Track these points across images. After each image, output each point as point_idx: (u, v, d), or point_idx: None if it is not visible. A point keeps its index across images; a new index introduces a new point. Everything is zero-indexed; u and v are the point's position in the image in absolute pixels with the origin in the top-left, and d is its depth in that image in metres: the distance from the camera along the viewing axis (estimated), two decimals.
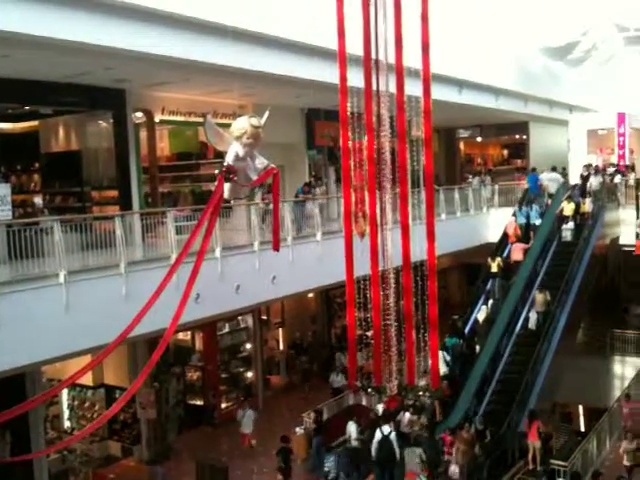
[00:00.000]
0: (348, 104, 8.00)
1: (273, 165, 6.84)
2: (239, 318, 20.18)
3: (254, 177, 6.79)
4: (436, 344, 8.25)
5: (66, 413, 17.70)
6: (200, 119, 16.58)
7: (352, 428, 15.28)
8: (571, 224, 20.86)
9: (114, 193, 15.96)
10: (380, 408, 16.10)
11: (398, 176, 8.07)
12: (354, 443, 15.04)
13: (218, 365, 19.67)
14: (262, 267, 13.91)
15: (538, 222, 21.66)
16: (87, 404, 17.63)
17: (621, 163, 28.70)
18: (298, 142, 21.21)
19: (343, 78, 7.95)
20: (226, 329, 20.02)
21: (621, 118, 30.49)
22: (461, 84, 20.91)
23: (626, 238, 23.44)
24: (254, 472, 16.35)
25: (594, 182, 23.12)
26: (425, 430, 15.29)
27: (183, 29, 11.76)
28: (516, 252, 20.46)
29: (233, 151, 6.55)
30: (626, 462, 14.96)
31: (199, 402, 19.42)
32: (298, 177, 20.42)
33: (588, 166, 25.48)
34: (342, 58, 8.00)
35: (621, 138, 30.69)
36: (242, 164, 6.63)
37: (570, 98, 29.46)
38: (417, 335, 8.37)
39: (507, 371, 17.53)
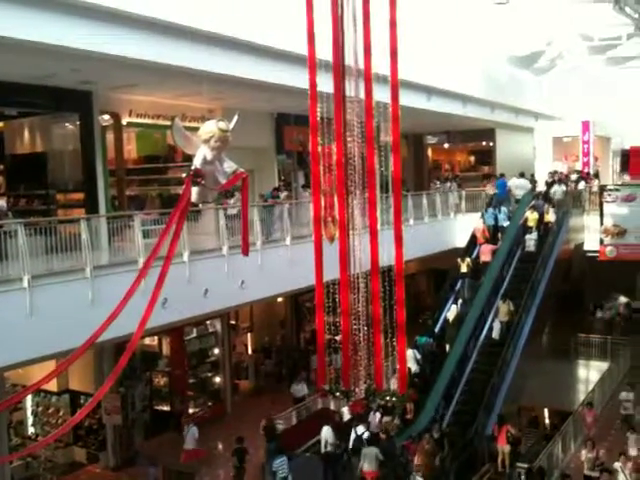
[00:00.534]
0: (318, 109, 8.01)
1: (242, 169, 6.84)
2: (207, 323, 20.03)
3: (223, 181, 6.79)
4: (404, 349, 8.26)
5: (30, 419, 17.44)
6: (168, 122, 16.43)
7: (328, 433, 14.91)
8: (534, 234, 21.13)
9: (80, 196, 15.78)
10: (345, 411, 16.03)
11: (367, 181, 8.09)
12: (329, 448, 14.90)
13: (186, 370, 19.50)
14: (231, 271, 13.84)
15: (506, 224, 21.99)
16: (51, 410, 17.40)
17: (585, 170, 29.26)
18: (268, 146, 21.19)
19: (313, 84, 7.95)
20: (194, 334, 19.85)
21: (586, 126, 31.16)
22: (429, 91, 21.11)
23: (590, 244, 23.94)
24: (221, 478, 16.30)
25: (558, 191, 23.49)
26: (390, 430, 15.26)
27: (152, 32, 11.64)
28: (485, 253, 20.84)
29: (201, 154, 6.56)
30: (586, 471, 14.92)
31: (166, 408, 19.23)
32: (267, 181, 20.41)
33: (553, 173, 25.96)
34: (312, 64, 8.00)
35: (585, 146, 31.35)
36: (210, 168, 6.63)
37: (536, 106, 29.95)
38: (385, 339, 8.37)
39: (475, 370, 17.78)
